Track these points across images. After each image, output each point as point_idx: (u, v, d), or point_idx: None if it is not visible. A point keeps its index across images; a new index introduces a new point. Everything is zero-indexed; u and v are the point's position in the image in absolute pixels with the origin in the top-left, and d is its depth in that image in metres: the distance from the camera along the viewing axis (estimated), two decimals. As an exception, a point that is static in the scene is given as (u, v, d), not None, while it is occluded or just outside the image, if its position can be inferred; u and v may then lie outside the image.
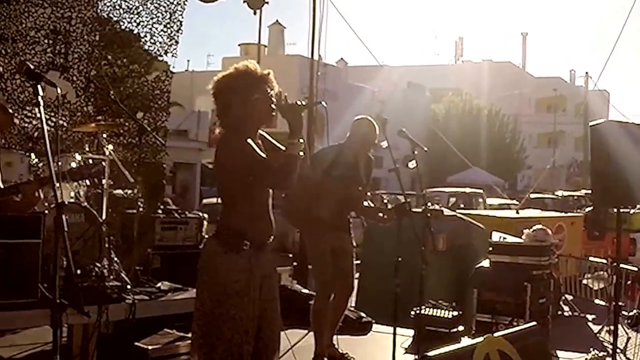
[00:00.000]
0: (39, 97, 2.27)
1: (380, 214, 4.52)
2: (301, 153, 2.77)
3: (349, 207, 4.62)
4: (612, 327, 4.86)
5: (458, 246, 6.79)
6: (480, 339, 2.84)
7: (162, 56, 6.78)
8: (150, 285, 4.38)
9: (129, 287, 4.00)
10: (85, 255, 4.16)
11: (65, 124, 6.05)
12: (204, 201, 16.88)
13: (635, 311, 6.49)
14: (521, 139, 36.86)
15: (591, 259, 8.85)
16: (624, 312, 6.67)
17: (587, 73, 40.01)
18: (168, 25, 6.66)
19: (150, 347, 3.92)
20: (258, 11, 11.78)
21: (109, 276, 4.05)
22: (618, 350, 5.60)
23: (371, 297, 6.60)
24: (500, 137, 34.07)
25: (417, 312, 4.47)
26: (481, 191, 18.94)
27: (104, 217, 4.63)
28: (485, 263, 5.67)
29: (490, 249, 5.66)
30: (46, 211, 3.67)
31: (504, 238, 5.69)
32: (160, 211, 5.77)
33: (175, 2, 6.71)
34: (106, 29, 6.61)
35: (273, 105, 2.84)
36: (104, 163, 4.51)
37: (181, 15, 6.73)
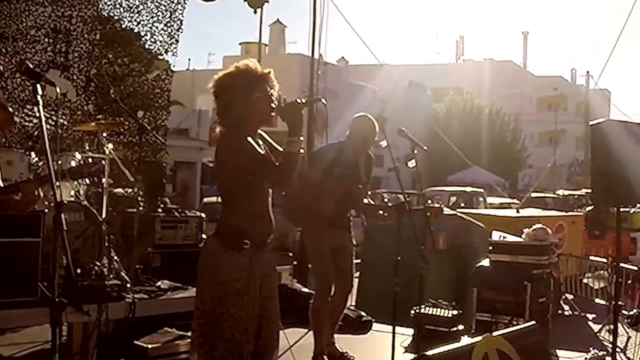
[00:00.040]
0: (38, 96, 2.27)
1: (381, 212, 4.52)
2: (301, 151, 2.77)
3: (349, 205, 4.62)
4: (612, 327, 4.85)
5: (458, 245, 6.79)
6: (479, 338, 2.84)
7: (162, 55, 6.80)
8: (150, 284, 4.38)
9: (128, 285, 4.01)
10: (85, 254, 4.16)
11: (65, 123, 6.06)
12: (205, 200, 16.87)
13: (635, 310, 6.48)
14: (522, 138, 36.83)
15: (591, 258, 8.85)
16: (624, 312, 6.67)
17: (588, 72, 39.96)
18: (168, 24, 6.67)
19: (150, 346, 3.91)
20: (259, 10, 11.78)
21: (108, 275, 4.05)
22: (618, 350, 5.61)
23: (371, 296, 6.60)
24: (501, 136, 34.04)
25: (417, 311, 4.47)
26: (482, 190, 18.92)
27: (104, 215, 4.64)
28: (485, 262, 5.68)
29: (490, 248, 5.67)
30: (46, 210, 3.68)
31: (504, 237, 5.69)
32: (160, 210, 5.77)
33: (175, 1, 6.73)
34: (106, 28, 6.62)
35: (273, 105, 2.84)
36: (103, 162, 4.51)
37: (181, 14, 6.74)
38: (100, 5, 6.59)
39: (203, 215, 6.04)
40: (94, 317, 3.59)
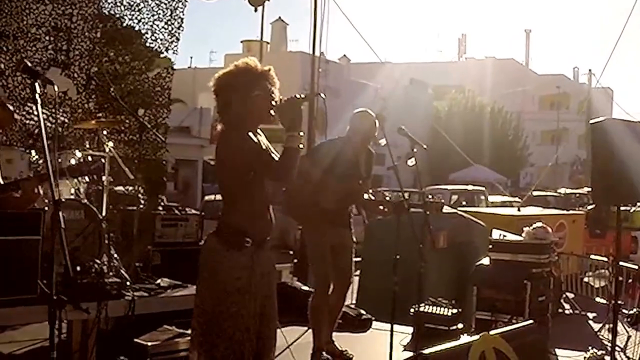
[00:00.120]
0: (36, 94, 2.27)
1: (381, 207, 4.52)
2: (301, 146, 2.77)
3: (350, 201, 4.62)
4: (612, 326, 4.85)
5: (459, 244, 6.78)
6: (476, 337, 2.84)
7: (163, 53, 6.80)
8: (150, 281, 4.39)
9: (128, 283, 4.01)
10: (85, 251, 4.17)
11: (66, 121, 6.07)
12: (206, 198, 16.87)
13: (635, 309, 6.48)
14: (524, 136, 36.75)
15: (592, 257, 8.85)
16: (624, 311, 6.66)
17: (590, 70, 39.77)
18: (169, 23, 6.68)
19: (149, 344, 3.92)
20: (260, 8, 11.78)
21: (108, 273, 4.05)
22: (618, 349, 5.61)
23: (371, 294, 6.60)
24: (503, 135, 33.97)
25: (417, 309, 4.47)
26: (483, 189, 18.91)
27: (104, 213, 4.64)
28: (485, 261, 5.68)
29: (490, 246, 5.67)
30: (46, 208, 3.68)
31: (504, 236, 5.69)
32: (160, 208, 5.78)
33: (176, 0, 6.73)
34: (107, 26, 6.62)
35: (273, 102, 2.84)
36: (103, 160, 4.52)
37: (182, 12, 6.75)
38: (101, 4, 6.60)
39: (204, 213, 6.05)
40: (94, 314, 3.59)
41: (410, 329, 4.95)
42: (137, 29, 6.73)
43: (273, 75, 2.87)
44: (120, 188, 5.88)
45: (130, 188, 5.68)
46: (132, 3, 6.63)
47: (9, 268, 3.45)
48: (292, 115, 2.76)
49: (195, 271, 2.87)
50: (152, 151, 6.47)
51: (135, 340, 3.93)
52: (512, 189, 29.00)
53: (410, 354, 4.42)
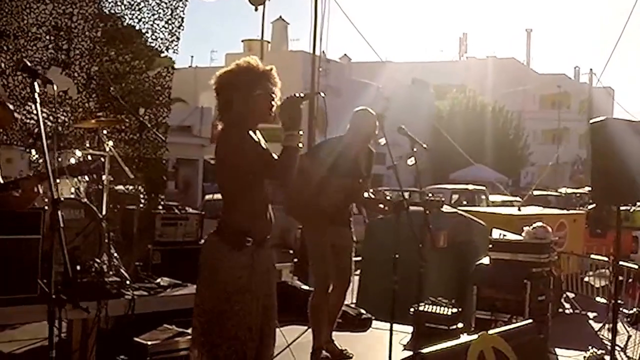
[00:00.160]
0: (35, 93, 2.28)
1: (381, 206, 4.52)
2: (300, 145, 2.77)
3: (350, 200, 4.62)
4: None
5: (459, 243, 6.77)
6: (475, 336, 2.84)
7: (163, 52, 6.81)
8: (149, 281, 4.39)
9: (128, 282, 4.01)
10: (85, 251, 4.17)
11: (66, 120, 6.08)
12: (207, 197, 16.89)
13: (635, 309, 6.47)
14: (525, 135, 36.73)
15: (592, 256, 8.84)
16: (625, 310, 6.66)
17: (591, 70, 39.70)
18: (169, 22, 6.69)
19: (149, 343, 3.91)
20: (261, 7, 11.79)
21: (108, 272, 4.06)
22: (618, 349, 5.61)
23: (372, 293, 6.60)
24: (504, 134, 33.94)
25: (416, 309, 4.47)
26: (484, 188, 18.90)
27: (104, 212, 4.65)
28: (485, 260, 5.67)
29: (490, 246, 5.66)
30: (46, 207, 3.69)
31: (504, 235, 5.68)
32: (160, 207, 5.78)
33: (176, -1, 6.74)
34: (108, 25, 6.63)
35: (274, 102, 2.84)
36: (102, 159, 4.52)
37: (182, 11, 6.76)
38: (102, 3, 6.61)
39: (204, 212, 6.06)
40: (94, 313, 3.59)
41: (410, 329, 4.95)
42: (137, 28, 6.74)
43: (275, 75, 2.86)
44: (121, 187, 5.89)
45: (131, 187, 5.69)
46: (132, 2, 6.63)
47: (9, 267, 3.46)
48: (292, 114, 2.76)
49: (196, 270, 2.87)
50: (153, 150, 6.48)
51: (135, 339, 3.93)
52: (513, 188, 28.98)
53: (410, 353, 4.43)
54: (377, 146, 4.59)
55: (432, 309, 5.02)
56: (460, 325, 4.97)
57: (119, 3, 6.60)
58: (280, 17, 34.33)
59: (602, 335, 6.73)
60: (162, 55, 7.00)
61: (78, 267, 3.81)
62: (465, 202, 17.28)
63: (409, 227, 3.73)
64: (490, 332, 2.93)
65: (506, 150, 32.49)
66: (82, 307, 3.23)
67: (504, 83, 42.35)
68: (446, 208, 7.34)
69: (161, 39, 6.68)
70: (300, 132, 2.76)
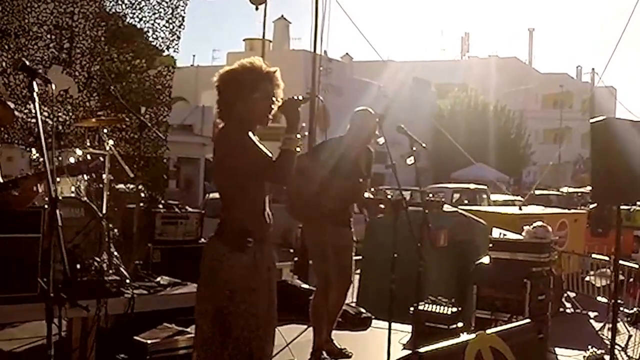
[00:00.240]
0: (34, 93, 2.28)
1: (381, 206, 4.53)
2: (298, 149, 2.77)
3: (351, 200, 4.63)
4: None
5: (459, 242, 6.76)
6: (472, 335, 2.83)
7: (164, 51, 6.82)
8: (149, 279, 4.39)
9: (128, 281, 4.02)
10: (85, 249, 4.18)
11: (67, 119, 6.09)
12: (208, 196, 16.91)
13: (635, 309, 6.47)
14: (527, 134, 36.70)
15: (593, 256, 8.82)
16: (625, 310, 6.65)
17: (593, 69, 39.71)
18: (170, 21, 6.69)
19: (149, 341, 3.92)
20: (262, 6, 11.80)
21: (108, 270, 4.06)
22: (619, 348, 5.60)
23: (372, 293, 6.61)
24: (505, 133, 33.91)
25: (415, 308, 4.47)
26: (485, 187, 18.89)
27: (104, 211, 4.66)
28: (485, 259, 5.67)
29: (490, 245, 5.65)
30: (45, 206, 3.69)
31: (504, 234, 5.67)
32: (160, 206, 5.79)
33: (177, -2, 6.75)
34: (108, 24, 6.64)
35: (273, 106, 2.83)
36: (101, 158, 4.53)
37: (183, 10, 6.76)
38: (103, 2, 6.61)
39: (206, 211, 6.06)
40: (93, 312, 3.60)
41: (410, 328, 4.95)
42: (138, 27, 6.75)
43: (278, 77, 2.85)
44: (122, 186, 5.90)
45: (132, 186, 5.69)
46: (133, 1, 6.64)
47: (9, 266, 3.47)
48: (291, 116, 2.76)
49: (196, 269, 2.87)
50: (153, 149, 6.49)
51: (135, 337, 3.94)
52: (515, 187, 28.96)
53: (409, 352, 4.43)
54: (377, 145, 4.59)
55: (432, 308, 5.02)
56: (460, 324, 4.97)
57: (120, 2, 6.62)
58: (282, 16, 34.39)
59: (603, 334, 6.71)
60: (164, 54, 7.01)
61: (78, 266, 3.81)
62: (466, 202, 17.27)
63: (408, 227, 3.73)
64: (488, 331, 2.92)
65: (508, 150, 32.47)
66: (81, 306, 3.23)
67: (505, 82, 42.29)
68: (447, 207, 7.33)
69: (162, 38, 6.69)
70: (298, 136, 2.75)
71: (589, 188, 19.74)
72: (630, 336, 6.02)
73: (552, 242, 5.79)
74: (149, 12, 6.67)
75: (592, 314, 8.10)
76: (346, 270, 4.60)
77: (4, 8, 5.92)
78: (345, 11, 23.14)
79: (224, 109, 2.85)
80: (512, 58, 48.75)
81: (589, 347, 4.95)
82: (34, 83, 2.33)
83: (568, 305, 8.43)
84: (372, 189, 17.65)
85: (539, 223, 5.65)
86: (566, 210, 11.19)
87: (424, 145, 3.99)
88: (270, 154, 2.79)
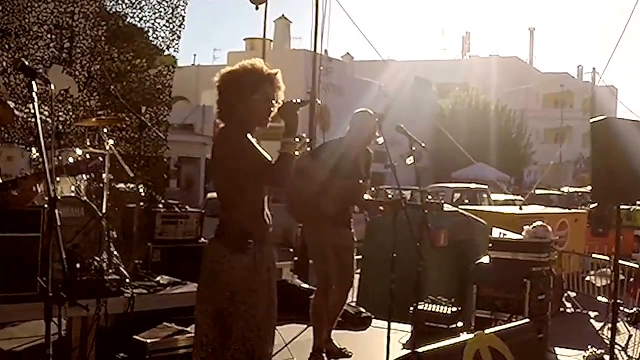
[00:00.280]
0: (33, 93, 2.29)
1: (381, 208, 4.53)
2: (297, 153, 2.77)
3: (351, 202, 4.63)
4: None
5: (460, 242, 6.76)
6: (471, 335, 2.83)
7: (164, 51, 6.82)
8: (149, 279, 4.40)
9: (128, 281, 4.02)
10: (85, 249, 4.18)
11: (67, 119, 6.10)
12: (209, 195, 16.92)
13: (635, 309, 6.46)
14: (528, 134, 36.68)
15: (594, 256, 8.82)
16: (626, 310, 6.64)
17: (594, 69, 39.70)
18: (170, 21, 6.70)
19: (149, 341, 3.92)
20: (263, 6, 11.80)
21: (108, 270, 4.07)
22: (620, 348, 5.60)
23: (372, 292, 6.60)
24: (507, 133, 33.89)
25: (415, 308, 4.47)
26: (486, 187, 18.88)
27: (104, 211, 4.66)
28: (485, 259, 5.66)
29: (490, 245, 5.65)
30: (45, 205, 3.70)
31: (504, 234, 5.67)
32: (161, 205, 5.79)
33: (178, -3, 6.75)
34: (109, 24, 6.64)
35: (273, 108, 2.83)
36: (101, 158, 4.53)
37: (184, 10, 6.76)
38: (103, 2, 6.62)
39: (207, 210, 6.06)
40: (93, 312, 3.60)
41: (410, 328, 4.94)
42: (138, 27, 6.75)
43: (279, 79, 2.84)
44: (122, 185, 5.90)
45: (132, 185, 5.70)
46: (134, 1, 6.64)
47: (9, 265, 3.47)
48: (289, 119, 2.76)
49: (196, 269, 2.87)
50: (154, 149, 6.49)
51: (135, 337, 3.94)
52: (516, 187, 28.94)
53: (408, 352, 4.43)
54: (377, 145, 4.59)
55: (432, 308, 5.02)
56: (460, 324, 4.97)
57: (120, 2, 6.62)
58: (283, 15, 34.36)
59: (603, 334, 6.71)
60: (165, 54, 7.02)
61: (78, 266, 3.81)
62: (467, 201, 17.27)
63: (408, 227, 3.74)
64: (487, 331, 2.92)
65: (509, 150, 32.45)
66: (81, 305, 3.24)
67: (507, 82, 42.26)
68: (447, 207, 7.33)
69: (162, 37, 6.69)
70: (297, 140, 2.75)
71: (589, 188, 19.76)
72: (630, 336, 6.02)
73: (552, 242, 5.79)
74: (149, 12, 6.68)
75: (592, 314, 8.10)
76: (347, 270, 4.60)
77: (5, 8, 5.92)
78: (346, 11, 23.12)
79: (224, 109, 2.86)
80: (513, 58, 48.70)
81: (589, 347, 4.94)
82: (33, 83, 2.33)
83: (569, 305, 8.43)
84: (373, 189, 17.68)
85: (539, 223, 5.65)
86: (567, 210, 11.18)
87: (423, 145, 3.99)
88: (269, 157, 2.80)
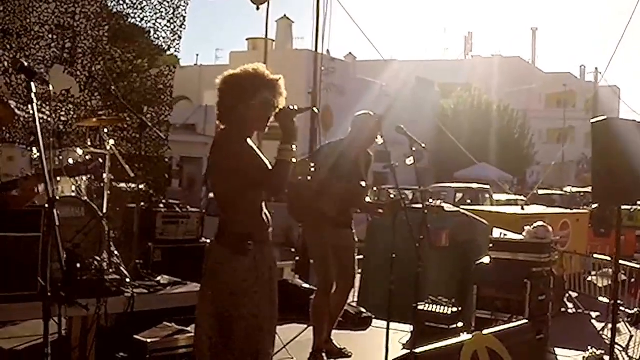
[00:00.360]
0: (32, 94, 2.29)
1: (380, 210, 4.53)
2: (293, 160, 2.77)
3: (352, 204, 4.63)
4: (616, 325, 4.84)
5: (461, 242, 6.76)
6: (469, 336, 2.83)
7: (166, 51, 6.83)
8: (150, 279, 4.40)
9: (128, 280, 4.03)
10: (85, 248, 4.19)
11: (68, 119, 6.11)
12: (211, 195, 16.88)
13: (636, 309, 6.44)
14: (530, 134, 36.63)
15: (595, 256, 8.81)
16: (627, 310, 6.63)
17: (596, 68, 39.68)
18: (171, 21, 6.71)
19: (149, 340, 3.93)
20: (265, 6, 11.81)
21: (108, 270, 4.07)
22: (620, 349, 5.59)
23: (373, 292, 6.61)
24: (509, 133, 33.84)
25: (415, 308, 4.47)
26: (488, 187, 18.86)
27: (105, 210, 4.67)
28: (486, 259, 5.66)
29: (491, 245, 5.65)
30: (46, 205, 3.70)
31: (505, 235, 5.67)
32: (161, 205, 5.79)
33: (179, -3, 6.76)
34: (110, 24, 6.66)
35: (270, 115, 2.83)
36: (101, 160, 4.54)
37: (184, 10, 6.78)
38: (105, 2, 6.63)
39: (208, 210, 6.06)
40: (93, 311, 3.61)
41: (410, 328, 4.94)
42: (139, 27, 6.76)
43: (281, 85, 2.85)
44: (123, 185, 5.91)
45: (133, 185, 5.70)
46: (134, 1, 6.66)
47: (9, 265, 3.48)
48: (286, 125, 2.76)
49: (196, 268, 2.89)
50: (154, 149, 6.50)
51: (135, 337, 3.95)
52: (519, 187, 28.89)
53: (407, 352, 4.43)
54: (377, 145, 4.59)
55: (433, 308, 5.02)
56: (460, 324, 4.97)
57: (121, 2, 6.63)
58: (285, 15, 34.33)
59: (604, 335, 6.70)
60: (167, 54, 7.03)
61: (78, 265, 3.82)
62: (469, 201, 17.26)
63: (408, 227, 3.74)
64: (485, 332, 2.92)
65: (511, 149, 32.40)
66: (81, 305, 3.25)
67: (509, 82, 42.20)
68: (448, 207, 7.32)
69: (163, 37, 6.71)
70: (293, 147, 2.76)
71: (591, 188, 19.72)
72: (631, 337, 6.01)
73: (553, 242, 5.78)
74: (150, 12, 6.70)
75: (594, 314, 8.09)
76: (348, 271, 4.61)
77: (6, 8, 5.94)
78: (347, 10, 23.02)
79: (224, 111, 2.87)
80: (515, 57, 48.63)
81: (589, 347, 4.93)
82: (32, 84, 2.34)
83: (570, 305, 8.42)
84: (375, 189, 17.67)
85: (540, 223, 5.64)
86: (568, 210, 11.17)
87: (423, 145, 3.99)
88: (268, 162, 2.80)
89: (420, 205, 4.08)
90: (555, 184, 26.85)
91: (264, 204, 2.89)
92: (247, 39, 34.16)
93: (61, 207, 4.17)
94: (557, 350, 5.15)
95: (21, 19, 6.00)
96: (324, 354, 4.50)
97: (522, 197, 17.11)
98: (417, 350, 2.63)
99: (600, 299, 8.17)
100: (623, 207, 5.59)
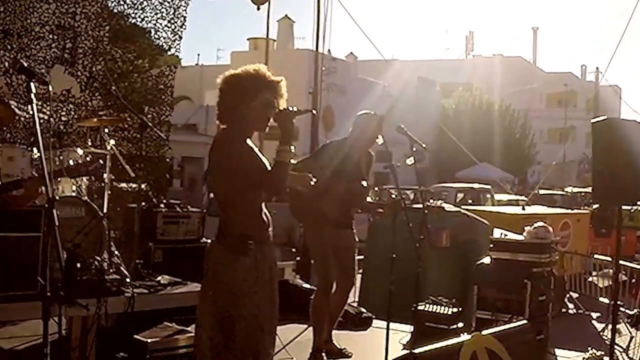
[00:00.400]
0: (31, 94, 2.30)
1: (380, 210, 4.53)
2: (292, 161, 2.78)
3: (353, 204, 4.63)
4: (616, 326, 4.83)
5: (462, 242, 6.75)
6: (468, 336, 2.83)
7: (166, 51, 6.84)
8: (150, 278, 4.41)
9: (128, 280, 4.03)
10: (86, 248, 4.20)
11: (69, 119, 6.12)
12: (212, 195, 16.87)
13: (636, 310, 6.44)
14: (531, 134, 36.60)
15: (596, 256, 8.79)
16: (627, 311, 6.62)
17: (597, 68, 39.59)
18: (172, 21, 6.72)
19: (149, 340, 3.93)
20: (265, 6, 11.82)
21: (108, 269, 4.08)
22: (620, 350, 5.58)
23: (373, 292, 6.61)
24: (510, 133, 33.82)
25: (415, 308, 4.47)
26: (489, 187, 18.85)
27: (105, 210, 4.67)
28: (486, 260, 5.66)
29: (491, 245, 5.64)
30: (46, 205, 3.71)
31: (505, 235, 5.66)
32: (162, 205, 5.80)
33: (179, -2, 6.76)
34: (111, 24, 6.67)
35: (269, 116, 2.83)
36: (101, 161, 4.54)
37: (185, 10, 6.79)
38: (105, 2, 6.64)
39: (209, 210, 6.06)
40: (93, 311, 3.61)
41: (411, 328, 4.94)
42: (140, 27, 6.77)
43: (282, 87, 2.85)
44: (124, 185, 5.92)
45: (134, 185, 5.71)
46: (135, 1, 6.67)
47: (10, 264, 3.49)
48: (284, 127, 2.77)
49: (197, 268, 2.89)
50: (155, 149, 6.51)
51: (135, 336, 3.95)
52: (520, 187, 28.87)
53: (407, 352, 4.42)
54: (378, 145, 4.60)
55: (433, 308, 5.02)
56: (460, 325, 4.97)
57: (122, 2, 6.64)
58: (286, 15, 34.35)
59: (605, 335, 6.69)
60: (168, 54, 7.04)
61: (78, 265, 3.82)
62: (470, 201, 17.25)
63: (408, 227, 3.74)
64: (484, 332, 2.92)
65: (513, 149, 32.38)
66: (80, 304, 3.25)
67: (510, 81, 42.17)
68: (449, 207, 7.32)
69: (164, 37, 6.72)
70: (292, 148, 2.76)
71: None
72: (632, 337, 6.00)
73: (554, 242, 5.77)
74: (151, 12, 6.71)
75: (594, 315, 8.08)
76: (348, 271, 4.61)
77: (7, 8, 5.95)
78: (347, 10, 23.07)
79: (224, 111, 2.87)
80: (516, 57, 48.59)
81: (589, 348, 4.93)
82: (32, 84, 2.35)
83: (570, 305, 8.41)
84: (376, 189, 17.67)
85: (540, 223, 5.63)
86: (569, 211, 11.15)
87: (424, 145, 3.99)
88: (267, 163, 2.80)
89: (420, 205, 4.06)
90: (557, 183, 26.83)
91: (263, 204, 2.89)
92: (248, 39, 34.19)
93: (61, 207, 4.18)
94: (557, 351, 5.15)
95: (22, 20, 6.01)
96: (324, 354, 4.50)
97: (523, 197, 17.09)
98: (416, 351, 2.63)
99: (601, 299, 8.17)
100: (624, 207, 5.59)
